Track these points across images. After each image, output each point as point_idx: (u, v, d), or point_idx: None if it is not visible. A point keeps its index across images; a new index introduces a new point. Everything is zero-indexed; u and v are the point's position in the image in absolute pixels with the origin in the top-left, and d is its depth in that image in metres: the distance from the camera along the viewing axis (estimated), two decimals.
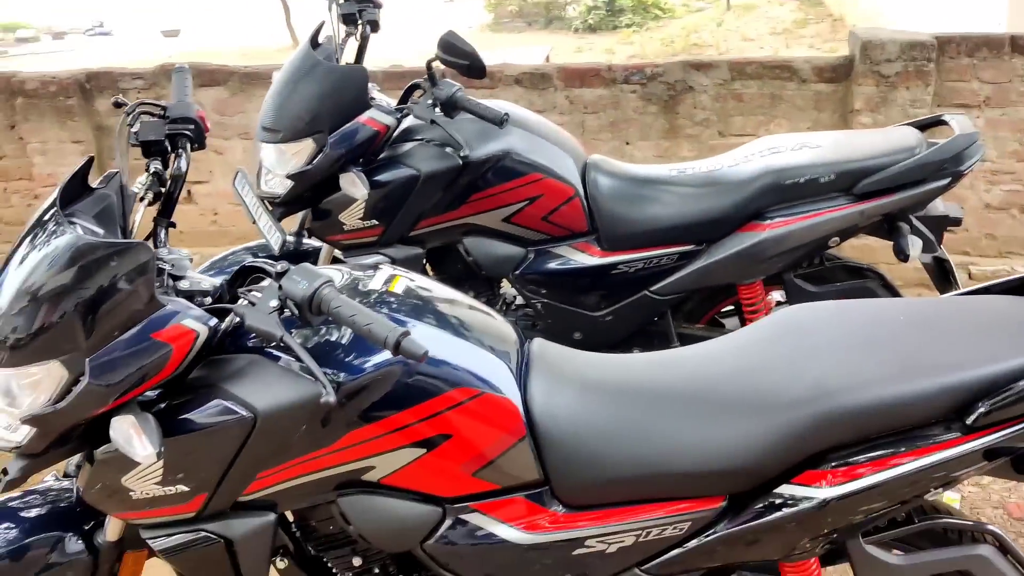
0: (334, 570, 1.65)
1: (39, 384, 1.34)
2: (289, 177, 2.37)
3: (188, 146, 1.56)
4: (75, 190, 1.46)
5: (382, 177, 2.41)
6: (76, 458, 1.75)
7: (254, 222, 2.43)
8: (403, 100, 2.53)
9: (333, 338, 1.42)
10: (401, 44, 11.56)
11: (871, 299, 1.67)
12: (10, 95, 4.24)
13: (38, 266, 1.32)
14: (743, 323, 2.57)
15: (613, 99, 4.07)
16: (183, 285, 1.45)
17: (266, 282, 1.40)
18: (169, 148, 1.58)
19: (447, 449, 1.42)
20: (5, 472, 1.45)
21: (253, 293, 1.39)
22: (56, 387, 1.33)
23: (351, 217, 2.44)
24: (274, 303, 1.33)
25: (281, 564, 1.64)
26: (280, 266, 1.37)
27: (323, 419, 1.38)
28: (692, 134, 4.10)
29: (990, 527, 1.49)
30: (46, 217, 1.37)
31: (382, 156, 2.46)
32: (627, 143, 4.15)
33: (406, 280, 1.54)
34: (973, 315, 1.48)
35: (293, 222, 2.60)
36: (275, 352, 1.40)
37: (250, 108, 4.16)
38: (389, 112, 2.44)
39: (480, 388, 1.42)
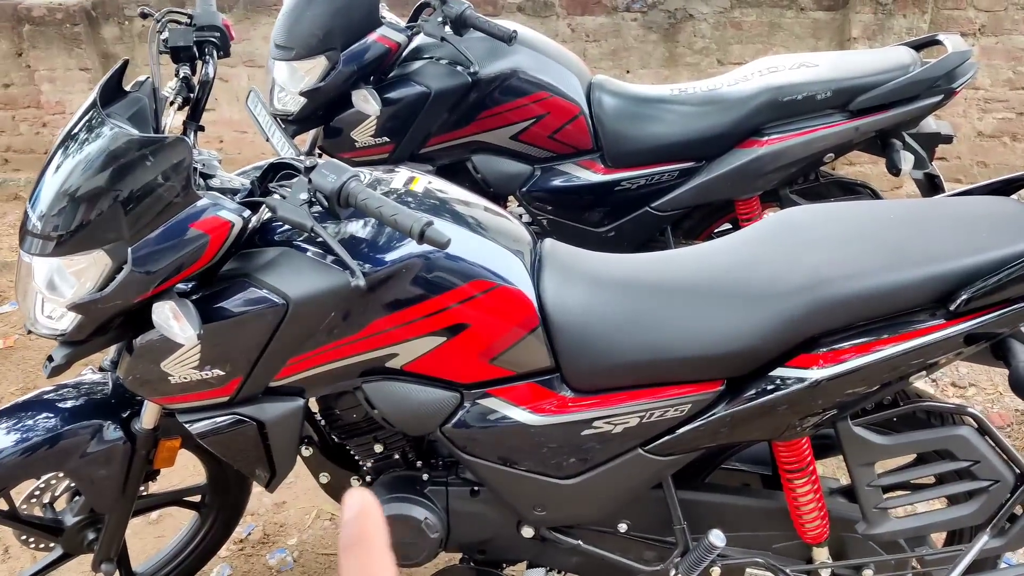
0: (356, 457, 1.76)
1: (84, 272, 1.42)
2: (302, 94, 2.41)
3: (215, 53, 1.61)
4: (110, 93, 1.53)
5: (393, 94, 2.45)
6: (112, 353, 1.84)
7: (267, 139, 2.48)
8: (413, 19, 2.56)
9: (358, 232, 1.49)
10: None
11: (862, 201, 1.74)
12: (16, 22, 4.22)
13: (83, 160, 1.39)
14: None
15: (614, 27, 4.07)
16: (214, 183, 1.49)
17: (296, 179, 1.47)
18: (197, 55, 1.62)
19: (465, 338, 1.50)
20: (51, 359, 1.54)
21: (283, 188, 1.46)
22: (100, 275, 1.41)
23: (362, 134, 2.49)
24: (304, 196, 1.40)
25: (307, 452, 1.75)
26: (308, 161, 1.44)
27: (350, 307, 1.46)
28: (691, 62, 4.11)
29: (970, 409, 1.57)
30: (86, 117, 1.44)
31: (393, 74, 2.50)
32: (627, 71, 4.17)
33: (425, 181, 1.61)
34: (958, 213, 1.54)
35: (303, 142, 2.66)
36: (303, 245, 1.48)
37: (255, 35, 4.16)
38: (400, 30, 2.48)
39: (496, 281, 1.50)
